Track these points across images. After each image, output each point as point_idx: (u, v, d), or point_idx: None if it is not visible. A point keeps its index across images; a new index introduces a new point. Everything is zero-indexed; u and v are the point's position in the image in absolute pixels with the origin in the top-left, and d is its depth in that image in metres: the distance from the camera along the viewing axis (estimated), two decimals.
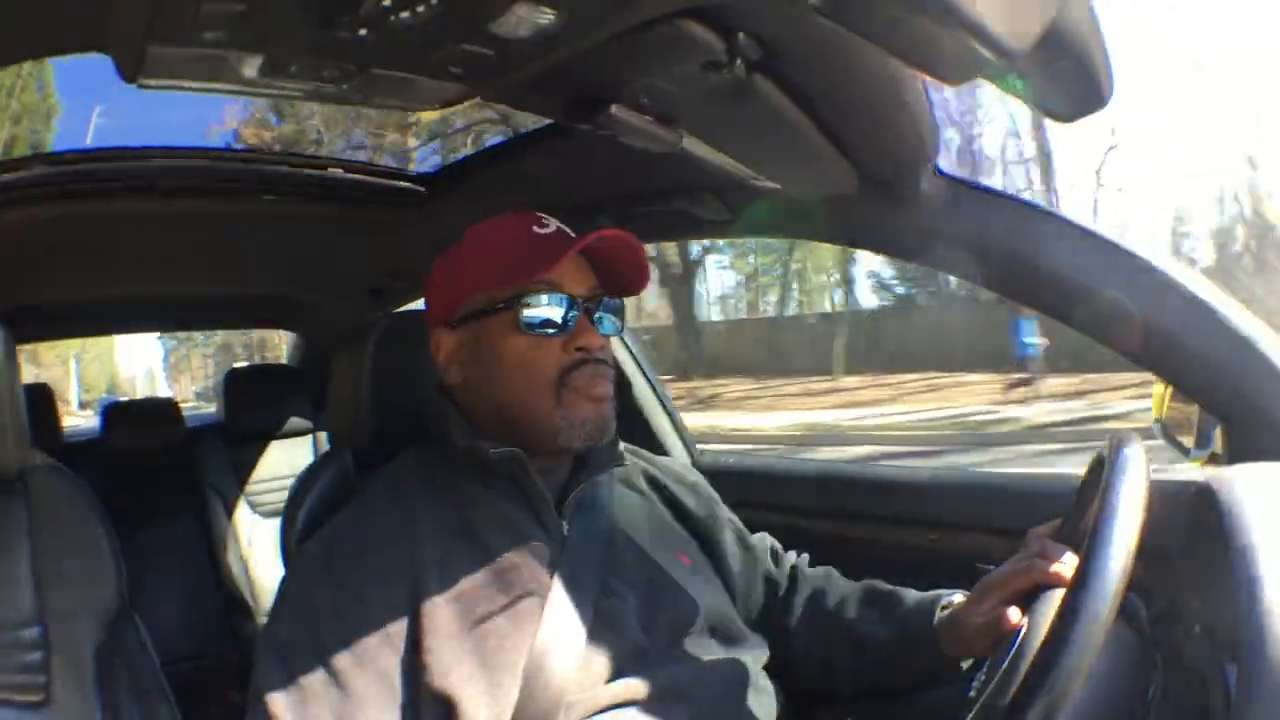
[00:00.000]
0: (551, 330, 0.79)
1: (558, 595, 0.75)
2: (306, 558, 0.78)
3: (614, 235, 0.80)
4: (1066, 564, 0.72)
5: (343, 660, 0.69)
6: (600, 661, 0.74)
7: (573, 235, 0.83)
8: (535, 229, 0.82)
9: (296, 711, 0.67)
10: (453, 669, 0.69)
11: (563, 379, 0.79)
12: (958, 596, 0.85)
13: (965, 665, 0.82)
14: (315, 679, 0.68)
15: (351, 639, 0.69)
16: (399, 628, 0.71)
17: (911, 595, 0.90)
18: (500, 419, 0.81)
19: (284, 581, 0.79)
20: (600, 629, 0.75)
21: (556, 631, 0.73)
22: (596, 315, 0.82)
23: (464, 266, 0.83)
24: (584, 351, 0.79)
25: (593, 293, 0.82)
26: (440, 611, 0.71)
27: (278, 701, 0.68)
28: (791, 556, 1.02)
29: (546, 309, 0.78)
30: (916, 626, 0.86)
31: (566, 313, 0.79)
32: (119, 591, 0.92)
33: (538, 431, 0.79)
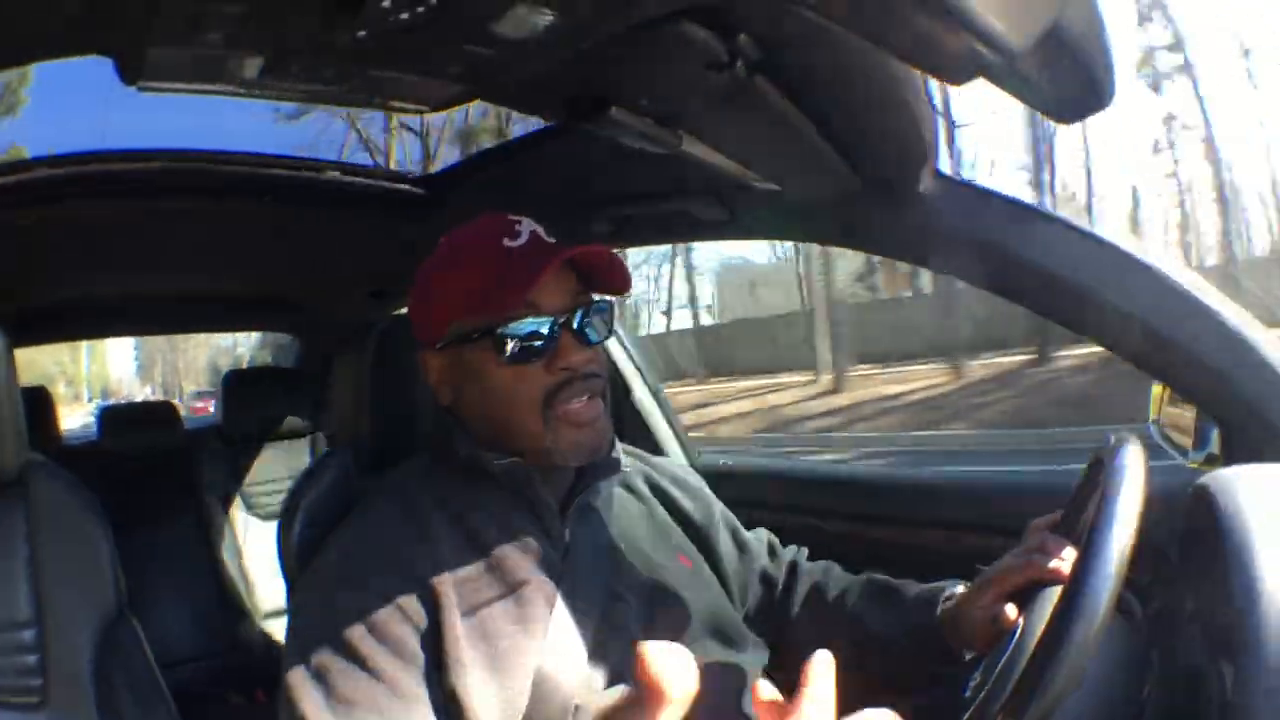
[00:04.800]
0: (533, 353, 0.76)
1: (564, 601, 0.75)
2: (320, 571, 0.76)
3: (584, 251, 0.76)
4: (1065, 559, 0.72)
5: (378, 656, 0.68)
6: (606, 665, 0.74)
7: (549, 240, 0.79)
8: (506, 242, 0.77)
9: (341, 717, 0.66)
10: (465, 674, 0.69)
11: (549, 402, 0.76)
12: (960, 588, 0.85)
13: (968, 657, 0.82)
14: (354, 681, 0.67)
15: (382, 633, 0.69)
16: (422, 625, 0.70)
17: (914, 588, 0.90)
18: (496, 436, 0.79)
19: (300, 599, 0.77)
20: (605, 633, 0.75)
21: (564, 636, 0.73)
22: (583, 324, 0.78)
23: (438, 293, 0.80)
24: (569, 370, 0.77)
25: (576, 301, 0.78)
26: (454, 617, 0.71)
27: (319, 714, 0.66)
28: (791, 551, 1.01)
29: (526, 333, 0.75)
30: (920, 619, 0.86)
31: (547, 334, 0.75)
32: (117, 594, 0.92)
33: (533, 451, 0.78)
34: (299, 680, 0.68)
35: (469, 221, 0.84)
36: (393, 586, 0.71)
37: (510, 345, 0.75)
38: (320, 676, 0.67)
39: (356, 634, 0.68)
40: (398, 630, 0.69)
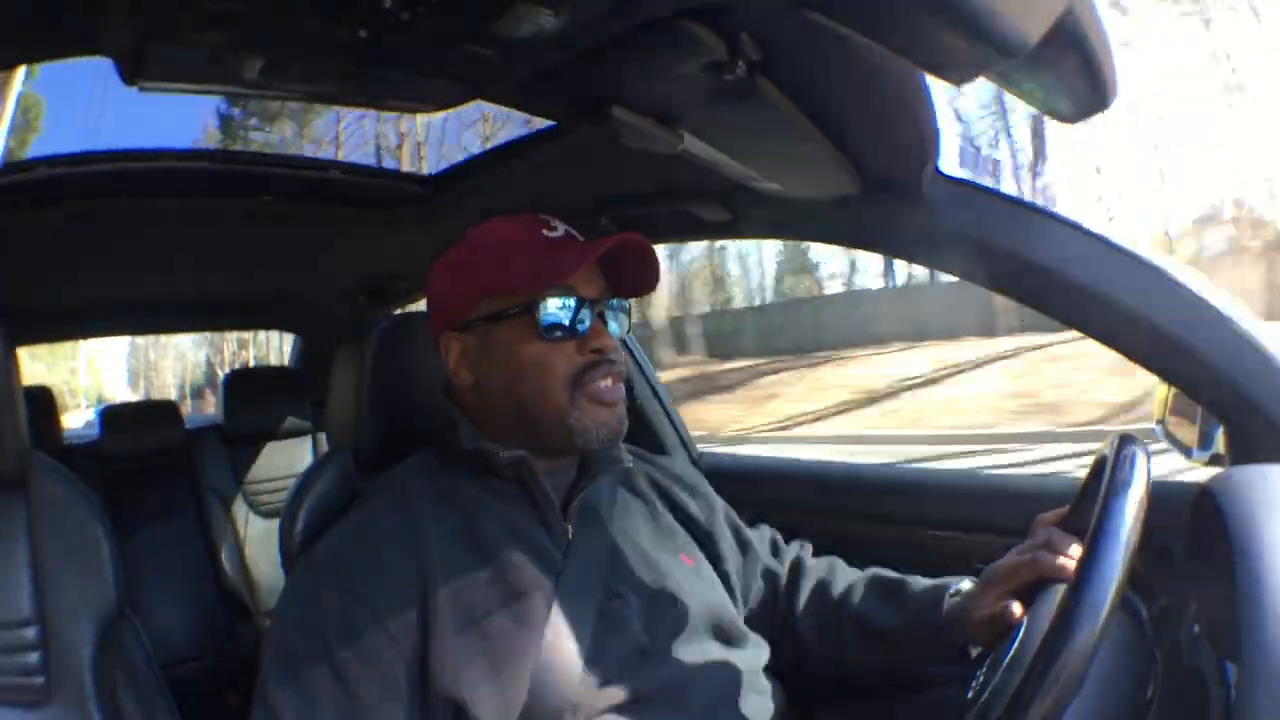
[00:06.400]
0: (567, 334, 0.79)
1: (563, 598, 0.75)
2: (312, 562, 0.78)
3: (629, 238, 0.80)
4: (1071, 556, 0.72)
5: (349, 665, 0.69)
6: (604, 663, 0.74)
7: (580, 238, 0.83)
8: (545, 232, 0.82)
9: (303, 716, 0.67)
10: (461, 672, 0.70)
11: (577, 381, 0.79)
12: (966, 584, 0.85)
13: (974, 653, 0.82)
14: (322, 683, 0.68)
15: (358, 644, 0.69)
16: (406, 632, 0.71)
17: (919, 583, 0.90)
18: (515, 418, 0.81)
19: (289, 586, 0.78)
20: (604, 631, 0.75)
21: (562, 634, 0.73)
22: (609, 316, 0.82)
23: (473, 271, 0.83)
24: (599, 353, 0.80)
25: (602, 295, 0.82)
26: (447, 615, 0.71)
27: (284, 706, 0.68)
28: (794, 548, 1.01)
29: (562, 313, 0.79)
30: (925, 616, 0.86)
31: (581, 316, 0.79)
32: (118, 592, 0.92)
33: (554, 431, 0.80)
34: (274, 667, 0.71)
35: (471, 221, 0.85)
36: (378, 591, 0.72)
37: (548, 320, 0.78)
38: (293, 668, 0.69)
39: (332, 635, 0.70)
40: (373, 637, 0.70)
